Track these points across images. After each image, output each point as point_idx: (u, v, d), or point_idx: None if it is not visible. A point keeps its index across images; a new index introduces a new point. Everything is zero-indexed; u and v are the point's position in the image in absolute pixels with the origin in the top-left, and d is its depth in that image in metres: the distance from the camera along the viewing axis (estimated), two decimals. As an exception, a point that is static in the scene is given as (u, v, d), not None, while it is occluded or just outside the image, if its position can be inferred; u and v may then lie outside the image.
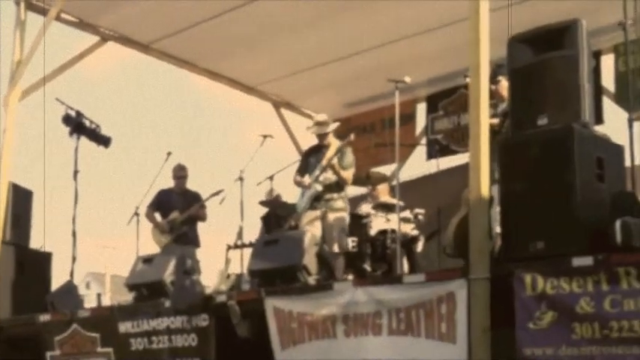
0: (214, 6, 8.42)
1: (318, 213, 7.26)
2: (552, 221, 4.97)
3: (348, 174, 7.40)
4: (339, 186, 7.38)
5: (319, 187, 7.28)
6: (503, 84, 6.07)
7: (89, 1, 8.51)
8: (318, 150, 7.53)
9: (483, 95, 5.48)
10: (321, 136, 7.51)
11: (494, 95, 6.09)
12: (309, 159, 7.56)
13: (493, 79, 6.04)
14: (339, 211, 7.32)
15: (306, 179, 7.39)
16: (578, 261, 4.72)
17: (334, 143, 7.43)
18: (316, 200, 7.31)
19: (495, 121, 6.00)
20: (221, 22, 8.66)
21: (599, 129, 5.66)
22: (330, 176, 7.30)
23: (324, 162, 7.27)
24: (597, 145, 5.24)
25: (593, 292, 4.63)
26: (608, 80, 9.04)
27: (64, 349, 7.22)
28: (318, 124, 7.57)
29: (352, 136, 7.41)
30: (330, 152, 7.30)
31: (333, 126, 7.58)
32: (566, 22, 5.38)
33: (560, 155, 5.04)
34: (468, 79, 5.82)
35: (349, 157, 7.40)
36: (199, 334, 6.40)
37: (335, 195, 7.33)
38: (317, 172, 7.31)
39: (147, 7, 8.49)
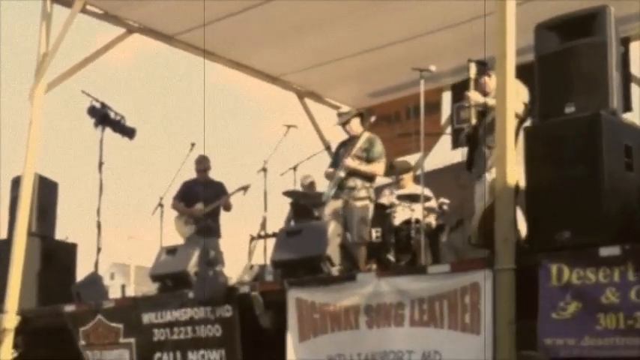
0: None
1: (339, 202, 7.18)
2: (579, 210, 4.90)
3: (377, 166, 7.27)
4: (365, 176, 7.27)
5: (342, 174, 7.17)
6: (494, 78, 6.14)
7: (115, -7, 8.54)
8: (348, 142, 7.46)
9: (509, 85, 5.40)
10: (347, 127, 7.42)
11: (484, 88, 6.24)
12: (340, 151, 7.49)
13: (485, 73, 6.15)
14: (361, 200, 7.21)
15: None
16: (606, 251, 4.65)
17: (364, 134, 7.34)
18: (340, 189, 7.23)
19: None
20: (246, 14, 8.62)
21: (627, 116, 5.56)
22: (357, 165, 7.21)
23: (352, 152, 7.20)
24: (626, 132, 5.16)
25: (619, 283, 4.57)
26: (637, 67, 8.89)
27: (90, 339, 7.27)
28: (339, 115, 7.53)
29: (373, 119, 7.37)
30: (359, 143, 7.22)
31: (353, 113, 7.48)
32: (594, 8, 5.30)
33: (588, 143, 4.97)
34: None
35: (378, 147, 7.28)
36: (223, 325, 6.39)
37: (359, 184, 7.21)
38: (344, 161, 7.22)
39: (172, -1, 8.48)
